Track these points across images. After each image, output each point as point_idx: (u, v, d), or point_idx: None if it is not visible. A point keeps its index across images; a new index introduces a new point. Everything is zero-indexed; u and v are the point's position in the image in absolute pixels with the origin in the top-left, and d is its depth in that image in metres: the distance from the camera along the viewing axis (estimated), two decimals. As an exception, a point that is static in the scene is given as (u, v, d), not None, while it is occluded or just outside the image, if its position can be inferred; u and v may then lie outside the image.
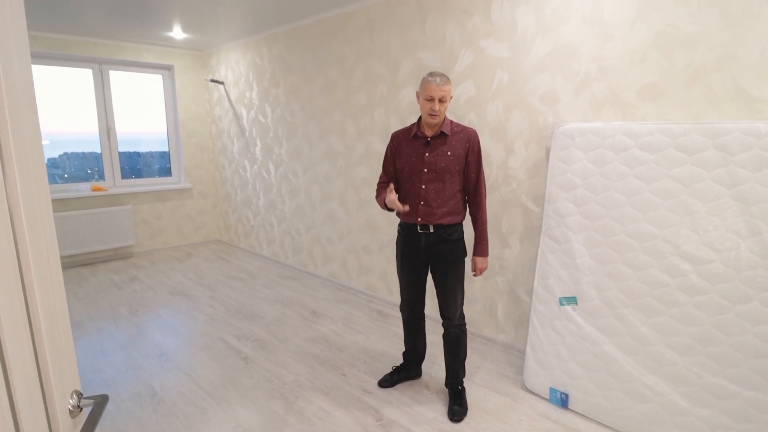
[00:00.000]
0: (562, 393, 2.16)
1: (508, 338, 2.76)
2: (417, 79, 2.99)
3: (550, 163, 2.27)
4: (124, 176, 4.96)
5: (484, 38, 2.58)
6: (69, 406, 0.76)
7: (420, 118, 2.04)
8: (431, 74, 1.91)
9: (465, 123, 2.70)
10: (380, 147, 3.33)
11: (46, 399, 0.71)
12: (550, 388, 2.20)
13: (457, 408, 2.12)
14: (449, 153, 1.99)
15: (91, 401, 0.78)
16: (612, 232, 2.03)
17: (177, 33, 4.26)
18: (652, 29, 1.97)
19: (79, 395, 0.79)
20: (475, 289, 2.88)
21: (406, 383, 2.39)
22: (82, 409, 0.78)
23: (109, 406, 2.21)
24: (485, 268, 2.11)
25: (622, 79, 2.10)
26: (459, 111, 2.77)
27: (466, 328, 2.19)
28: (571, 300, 2.16)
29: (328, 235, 3.98)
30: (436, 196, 2.01)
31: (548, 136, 2.39)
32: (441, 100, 1.90)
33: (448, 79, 1.92)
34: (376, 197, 2.16)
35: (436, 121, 1.95)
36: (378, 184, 2.21)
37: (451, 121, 2.04)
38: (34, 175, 0.70)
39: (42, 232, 0.71)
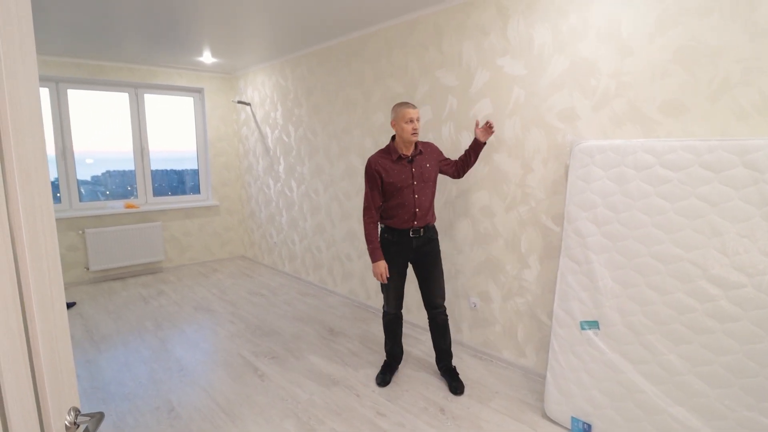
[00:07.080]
0: (584, 423, 2.05)
1: (529, 362, 2.66)
2: (435, 99, 3.00)
3: (569, 181, 2.21)
4: (161, 193, 5.20)
5: (500, 56, 2.57)
6: (66, 423, 0.78)
7: (391, 143, 2.40)
8: (404, 103, 2.33)
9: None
10: (399, 165, 3.34)
11: (42, 416, 0.73)
12: (572, 418, 2.10)
13: (456, 384, 2.47)
14: (428, 165, 2.42)
15: (87, 418, 0.80)
16: (635, 254, 1.95)
17: (207, 58, 4.46)
18: (673, 43, 1.92)
19: (77, 412, 0.81)
20: (494, 310, 2.80)
21: (422, 405, 2.34)
22: (79, 426, 0.80)
23: (129, 420, 2.26)
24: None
25: (643, 95, 2.04)
26: (476, 129, 2.75)
27: (447, 314, 2.57)
28: (593, 324, 2.06)
29: (347, 252, 3.99)
30: (425, 201, 2.41)
31: (567, 154, 2.33)
32: (418, 119, 2.34)
33: None
34: (367, 234, 2.39)
35: (417, 138, 2.35)
36: (369, 220, 2.41)
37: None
38: (38, 195, 0.73)
39: (44, 252, 0.74)
